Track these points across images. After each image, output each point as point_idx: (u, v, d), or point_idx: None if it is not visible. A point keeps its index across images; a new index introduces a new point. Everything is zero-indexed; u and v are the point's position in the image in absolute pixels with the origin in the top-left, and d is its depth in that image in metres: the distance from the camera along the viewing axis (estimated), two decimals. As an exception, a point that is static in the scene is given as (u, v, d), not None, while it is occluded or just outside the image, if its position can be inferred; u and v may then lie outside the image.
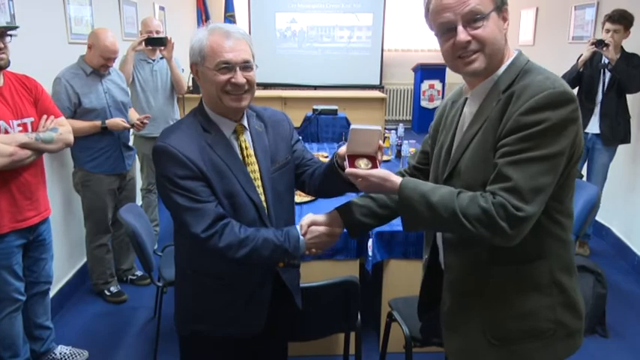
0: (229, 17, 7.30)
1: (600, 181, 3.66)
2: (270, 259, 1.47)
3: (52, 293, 2.63)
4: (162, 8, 5.44)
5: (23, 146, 2.08)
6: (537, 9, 5.89)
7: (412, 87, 8.38)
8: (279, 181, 1.56)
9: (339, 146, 1.74)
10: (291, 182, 1.65)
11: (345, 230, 1.54)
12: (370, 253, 2.45)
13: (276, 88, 7.81)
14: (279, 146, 1.59)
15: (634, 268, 3.65)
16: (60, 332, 2.71)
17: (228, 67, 1.40)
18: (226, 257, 1.41)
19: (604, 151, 3.64)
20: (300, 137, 1.74)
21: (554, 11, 5.43)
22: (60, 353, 2.55)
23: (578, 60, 3.68)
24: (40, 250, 2.33)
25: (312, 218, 1.51)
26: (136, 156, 3.41)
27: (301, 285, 1.72)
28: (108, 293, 3.17)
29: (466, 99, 1.36)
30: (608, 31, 3.48)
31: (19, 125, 2.13)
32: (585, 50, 3.63)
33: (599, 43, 3.49)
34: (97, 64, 2.87)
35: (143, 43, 3.52)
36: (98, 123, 2.87)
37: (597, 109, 3.62)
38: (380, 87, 8.29)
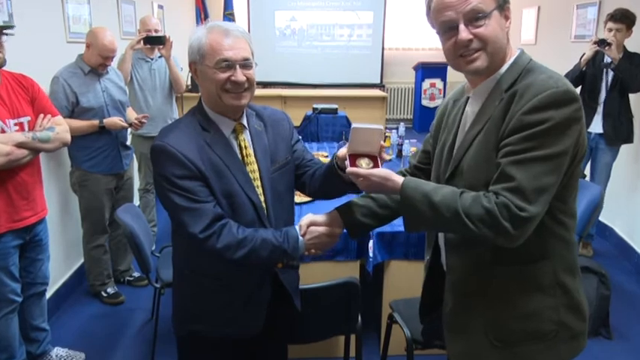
0: (228, 15, 7.27)
1: (603, 181, 3.64)
2: (269, 260, 1.46)
3: (48, 294, 2.62)
4: (160, 7, 5.42)
5: (20, 145, 2.07)
6: (539, 8, 5.88)
7: (413, 86, 8.35)
8: (279, 182, 1.55)
9: (339, 146, 1.72)
10: (291, 182, 1.63)
11: (345, 231, 1.53)
12: (371, 254, 2.44)
13: (276, 86, 7.79)
14: (279, 146, 1.58)
15: (637, 268, 3.62)
16: (56, 334, 2.69)
17: (228, 64, 1.39)
18: (224, 258, 1.40)
19: (607, 151, 3.62)
20: (300, 137, 1.73)
21: (556, 10, 5.41)
22: (56, 355, 2.53)
23: (580, 59, 3.66)
24: (36, 250, 2.31)
25: (312, 218, 1.50)
26: (134, 155, 3.38)
27: (301, 287, 1.71)
28: (105, 294, 3.15)
29: (468, 98, 1.35)
30: (610, 30, 3.47)
31: (15, 124, 2.12)
32: (588, 49, 3.61)
33: (602, 43, 3.47)
34: (95, 63, 2.86)
35: (141, 41, 3.49)
36: (96, 122, 2.85)
37: (600, 109, 3.61)
38: (380, 86, 8.27)
